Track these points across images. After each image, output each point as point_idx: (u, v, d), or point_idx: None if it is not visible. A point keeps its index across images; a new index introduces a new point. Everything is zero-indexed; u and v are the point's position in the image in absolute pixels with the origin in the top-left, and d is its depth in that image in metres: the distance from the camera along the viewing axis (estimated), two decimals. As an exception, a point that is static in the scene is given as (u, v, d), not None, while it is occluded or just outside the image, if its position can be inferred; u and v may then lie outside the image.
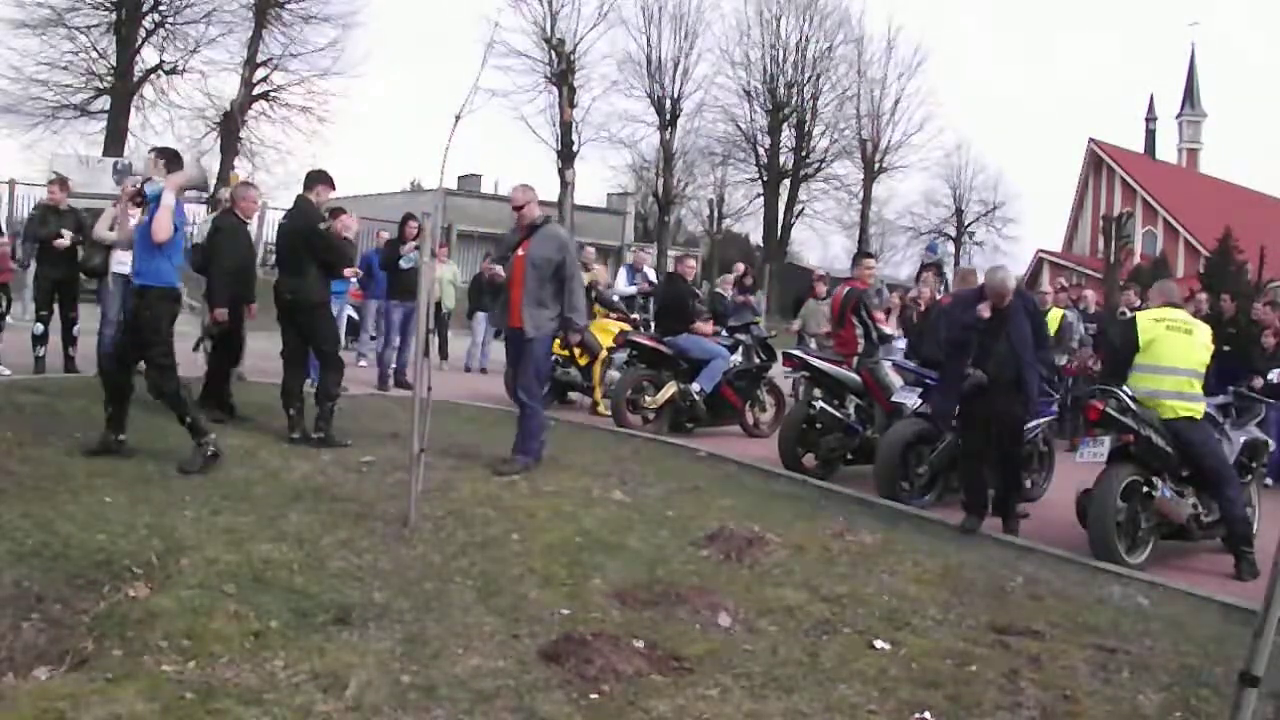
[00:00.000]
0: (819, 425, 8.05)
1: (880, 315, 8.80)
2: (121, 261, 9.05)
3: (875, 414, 8.10)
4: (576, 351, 10.40)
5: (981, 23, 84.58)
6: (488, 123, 65.09)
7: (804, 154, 39.49)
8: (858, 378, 8.16)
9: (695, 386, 9.42)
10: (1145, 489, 5.84)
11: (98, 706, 2.87)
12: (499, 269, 6.72)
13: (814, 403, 8.09)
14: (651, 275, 14.56)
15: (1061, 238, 52.50)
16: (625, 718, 3.17)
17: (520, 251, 6.60)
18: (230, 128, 27.83)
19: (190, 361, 7.54)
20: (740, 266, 15.56)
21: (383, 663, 3.36)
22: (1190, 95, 55.53)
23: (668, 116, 36.31)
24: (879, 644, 3.98)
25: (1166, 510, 5.85)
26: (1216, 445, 6.17)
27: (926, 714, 3.37)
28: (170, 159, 6.04)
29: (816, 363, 8.32)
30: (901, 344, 9.02)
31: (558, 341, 10.30)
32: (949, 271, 15.94)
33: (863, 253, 10.90)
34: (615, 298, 12.07)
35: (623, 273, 15.04)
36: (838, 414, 7.99)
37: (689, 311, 9.89)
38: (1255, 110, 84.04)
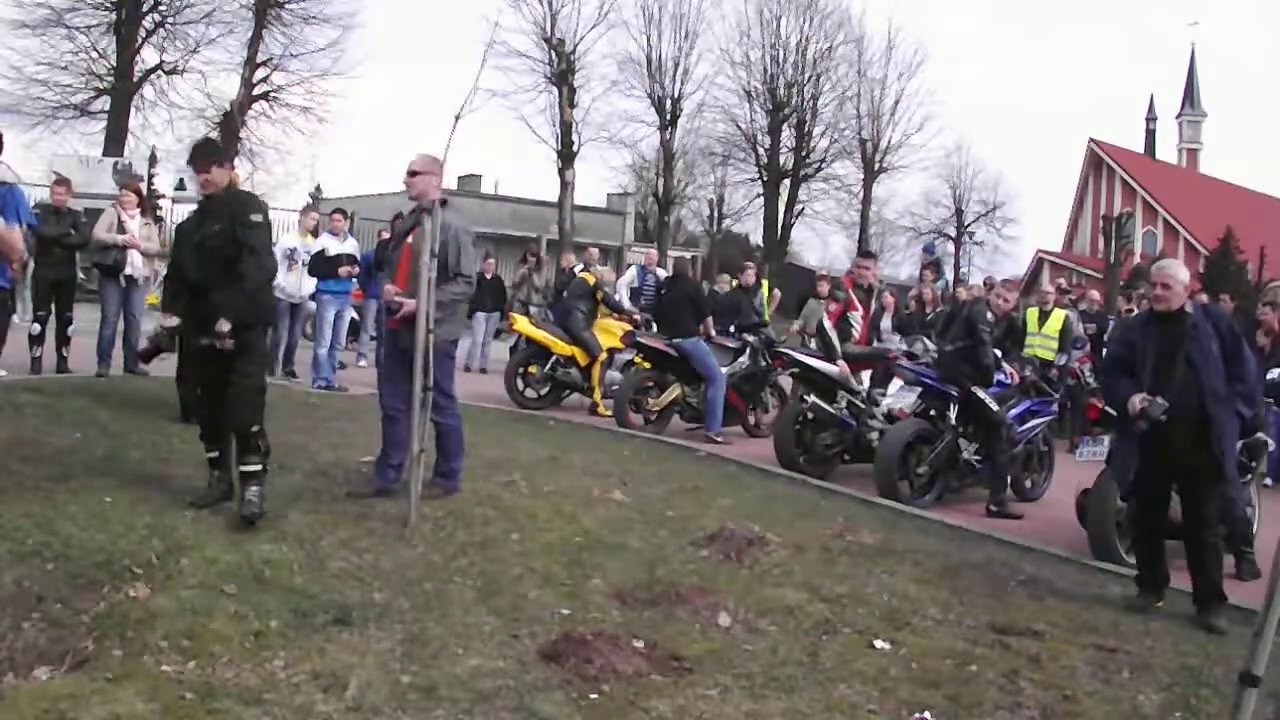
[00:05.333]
0: (813, 422, 8.05)
1: (831, 315, 8.49)
2: (133, 264, 9.08)
3: (872, 402, 8.14)
4: (577, 353, 10.42)
5: (981, 23, 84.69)
6: (488, 123, 65.17)
7: (804, 154, 39.45)
8: (846, 372, 8.14)
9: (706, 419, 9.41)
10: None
11: (98, 706, 2.87)
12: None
13: (806, 398, 8.11)
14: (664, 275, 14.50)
15: (1061, 238, 52.52)
16: (625, 718, 3.17)
17: (409, 239, 5.60)
18: (230, 128, 27.83)
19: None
20: (749, 267, 15.51)
21: (383, 663, 3.36)
22: (1190, 95, 55.56)
23: (668, 116, 36.27)
24: (879, 644, 3.98)
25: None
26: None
27: (926, 714, 3.37)
28: None
29: (806, 360, 8.32)
30: (897, 341, 9.02)
31: (559, 341, 10.42)
32: (947, 270, 15.97)
33: (861, 251, 10.83)
34: (624, 298, 12.05)
35: (633, 271, 15.05)
36: (830, 409, 7.98)
37: (700, 312, 9.77)
38: (1255, 110, 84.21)
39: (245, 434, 4.83)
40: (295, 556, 4.27)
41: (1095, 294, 14.60)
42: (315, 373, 10.29)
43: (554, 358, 10.43)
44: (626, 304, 12.51)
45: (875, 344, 8.58)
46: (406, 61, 77.34)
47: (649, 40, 35.76)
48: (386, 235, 10.73)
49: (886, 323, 10.19)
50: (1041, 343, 10.81)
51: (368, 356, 12.52)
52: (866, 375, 8.71)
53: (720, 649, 3.78)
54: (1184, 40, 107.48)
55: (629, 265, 20.31)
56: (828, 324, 8.37)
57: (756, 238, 42.55)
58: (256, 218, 4.94)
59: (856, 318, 8.44)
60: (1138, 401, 4.76)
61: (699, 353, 9.43)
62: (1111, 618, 4.65)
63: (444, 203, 5.49)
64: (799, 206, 40.44)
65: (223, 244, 4.82)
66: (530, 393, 10.46)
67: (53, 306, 9.15)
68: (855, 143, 40.08)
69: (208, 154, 5.05)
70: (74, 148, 26.40)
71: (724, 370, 9.54)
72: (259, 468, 4.80)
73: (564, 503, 5.75)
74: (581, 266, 13.16)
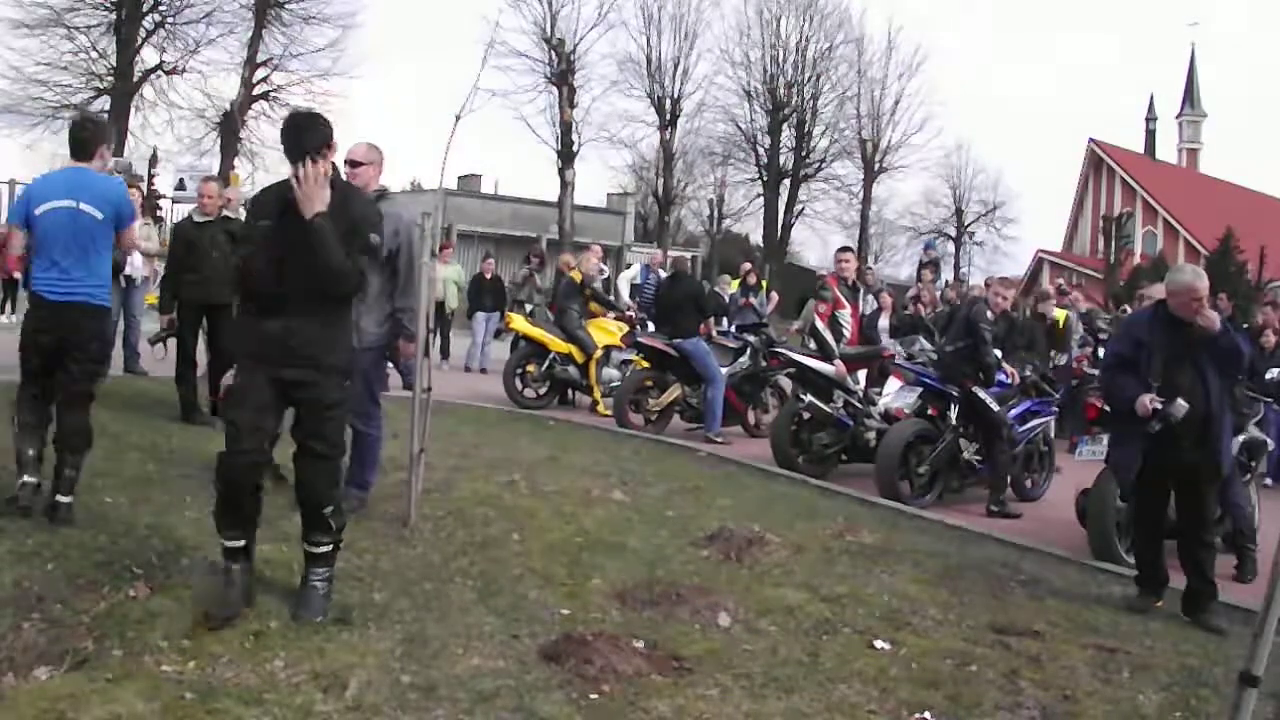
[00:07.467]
0: (810, 422, 8.05)
1: (822, 315, 8.47)
2: (133, 264, 9.09)
3: (869, 402, 8.14)
4: (574, 350, 10.42)
5: (981, 23, 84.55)
6: (488, 123, 65.10)
7: (804, 154, 39.48)
8: (843, 371, 8.14)
9: (705, 418, 9.41)
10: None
11: (98, 706, 2.86)
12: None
13: (802, 397, 8.11)
14: None
15: (1061, 238, 52.50)
16: (625, 718, 3.16)
17: None
18: (230, 128, 27.88)
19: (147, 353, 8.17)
20: (746, 265, 15.52)
21: (383, 663, 3.36)
22: (1190, 95, 55.50)
23: (668, 116, 36.31)
24: (879, 644, 3.98)
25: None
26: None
27: (926, 714, 3.37)
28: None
29: (802, 359, 8.32)
30: (889, 341, 9.03)
31: (555, 339, 10.42)
32: (946, 269, 16.01)
33: (840, 247, 10.80)
34: (624, 294, 11.99)
35: (637, 267, 15.06)
36: (826, 408, 7.98)
37: (702, 311, 9.77)
38: (1255, 110, 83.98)
39: (319, 513, 3.79)
40: (295, 556, 4.25)
41: (1078, 294, 14.68)
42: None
43: (551, 355, 10.44)
44: (625, 299, 12.48)
45: (871, 344, 8.59)
46: (406, 61, 77.40)
47: (649, 40, 35.87)
48: None
49: (884, 322, 10.18)
50: (1042, 343, 10.83)
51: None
52: (862, 375, 8.70)
53: (720, 649, 3.78)
54: (1184, 40, 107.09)
55: (628, 265, 20.32)
56: (821, 326, 8.37)
57: (756, 238, 42.57)
58: (376, 240, 3.86)
59: (845, 315, 8.40)
60: (1148, 401, 4.75)
61: (699, 353, 9.42)
62: (1111, 618, 4.65)
63: (384, 194, 5.23)
64: (799, 206, 40.48)
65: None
66: (529, 392, 10.47)
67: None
68: (855, 143, 40.12)
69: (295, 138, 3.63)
70: (74, 148, 26.40)
71: (724, 370, 9.55)
72: (329, 548, 3.79)
73: (564, 503, 5.75)
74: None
